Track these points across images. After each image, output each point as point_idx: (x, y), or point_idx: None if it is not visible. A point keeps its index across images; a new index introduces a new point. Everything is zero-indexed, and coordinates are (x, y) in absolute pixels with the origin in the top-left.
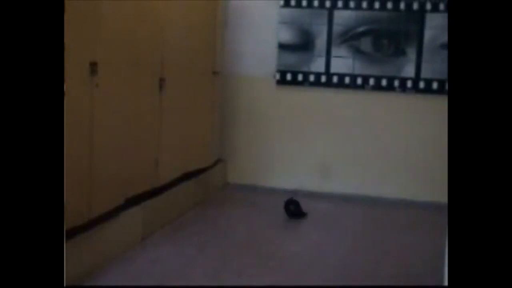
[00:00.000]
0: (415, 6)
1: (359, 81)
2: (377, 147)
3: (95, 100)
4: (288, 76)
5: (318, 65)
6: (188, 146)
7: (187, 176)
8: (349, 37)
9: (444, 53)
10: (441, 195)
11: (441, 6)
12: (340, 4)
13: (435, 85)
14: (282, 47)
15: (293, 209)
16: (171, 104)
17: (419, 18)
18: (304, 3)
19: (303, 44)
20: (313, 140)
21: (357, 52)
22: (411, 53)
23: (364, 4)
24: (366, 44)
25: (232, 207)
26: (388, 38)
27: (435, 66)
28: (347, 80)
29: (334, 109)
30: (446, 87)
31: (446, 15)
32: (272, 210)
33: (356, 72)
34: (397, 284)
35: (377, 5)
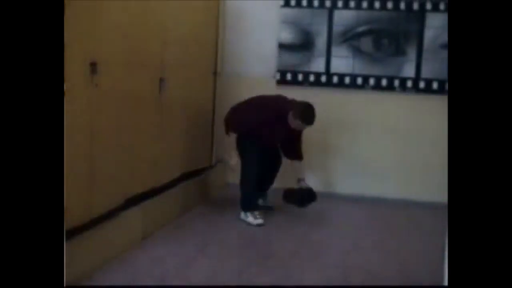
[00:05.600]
0: (415, 6)
1: (359, 81)
2: (377, 147)
3: (95, 100)
4: (288, 76)
5: (318, 65)
6: (188, 146)
7: (187, 176)
8: (349, 37)
9: (444, 53)
10: (441, 195)
11: (441, 6)
12: (340, 4)
13: (435, 85)
14: (282, 47)
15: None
16: (171, 104)
17: (419, 18)
18: (304, 3)
19: (303, 44)
20: (313, 139)
21: (357, 52)
22: (411, 53)
23: (364, 4)
24: (366, 44)
25: (232, 207)
26: (388, 38)
27: (435, 66)
28: (347, 80)
29: (334, 109)
30: (446, 87)
31: (446, 15)
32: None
33: (356, 72)
34: (397, 284)
35: (377, 5)
